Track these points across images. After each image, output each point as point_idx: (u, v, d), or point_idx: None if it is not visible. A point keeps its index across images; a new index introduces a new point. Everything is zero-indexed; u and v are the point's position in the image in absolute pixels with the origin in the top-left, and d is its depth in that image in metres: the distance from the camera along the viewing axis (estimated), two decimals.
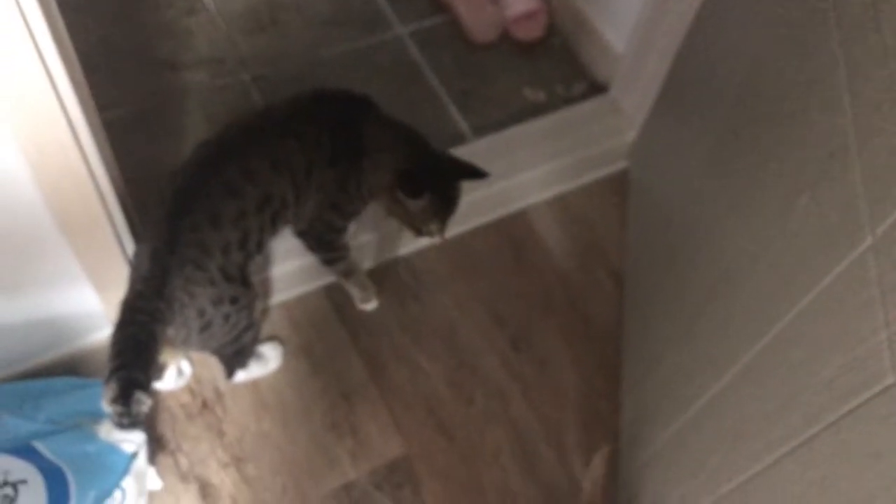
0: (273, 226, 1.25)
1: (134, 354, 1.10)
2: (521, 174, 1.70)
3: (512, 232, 1.68)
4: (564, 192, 1.74)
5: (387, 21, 1.95)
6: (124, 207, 1.25)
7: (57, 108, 1.00)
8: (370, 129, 1.30)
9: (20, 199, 1.07)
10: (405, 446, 1.42)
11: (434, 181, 1.30)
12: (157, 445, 1.37)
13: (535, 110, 1.83)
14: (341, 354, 1.51)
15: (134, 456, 1.24)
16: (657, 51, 1.62)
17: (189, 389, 1.44)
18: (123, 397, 1.06)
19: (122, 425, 1.08)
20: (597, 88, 1.87)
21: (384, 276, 1.58)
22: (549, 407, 1.49)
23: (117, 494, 1.20)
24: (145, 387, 1.09)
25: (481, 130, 1.78)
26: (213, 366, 1.43)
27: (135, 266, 1.17)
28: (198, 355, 1.44)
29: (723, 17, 1.32)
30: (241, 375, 1.40)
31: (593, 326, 1.58)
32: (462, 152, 1.71)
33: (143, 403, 1.08)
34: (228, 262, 1.18)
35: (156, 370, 1.35)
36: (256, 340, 1.35)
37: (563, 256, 1.66)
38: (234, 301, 1.21)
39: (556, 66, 1.92)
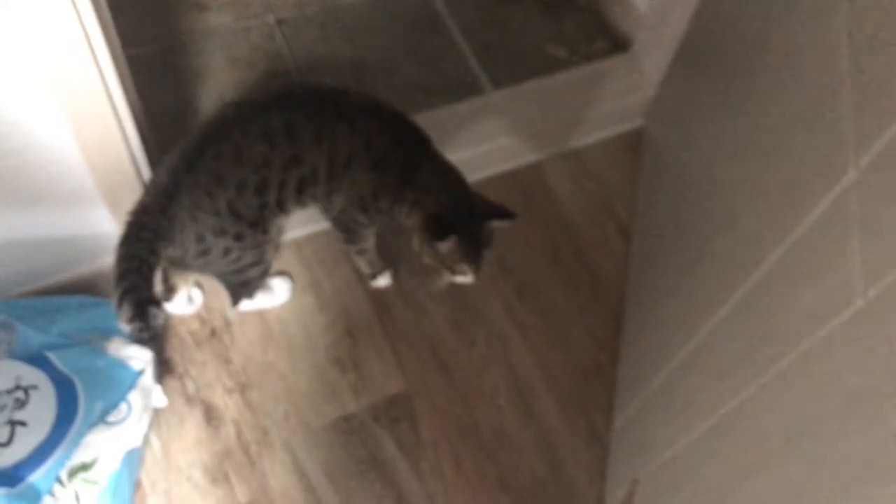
0: (298, 193, 1.26)
1: (139, 275, 1.14)
2: (536, 127, 1.71)
3: (525, 183, 1.69)
4: (579, 147, 1.75)
5: None
6: (142, 136, 1.28)
7: (82, 35, 1.04)
8: (426, 168, 1.30)
9: (43, 117, 1.10)
10: (405, 383, 1.46)
11: (463, 225, 1.27)
12: (165, 369, 1.41)
13: (556, 66, 1.83)
14: (348, 292, 1.54)
15: (141, 373, 1.28)
16: (678, 10, 1.62)
17: (199, 317, 1.48)
18: (140, 316, 1.11)
19: (142, 340, 1.14)
20: (618, 47, 1.87)
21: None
22: (549, 354, 1.51)
23: (123, 407, 1.25)
24: (156, 301, 1.13)
25: (500, 83, 1.79)
26: (223, 296, 1.46)
27: (152, 178, 1.20)
28: (208, 285, 1.48)
29: None
30: (246, 304, 1.44)
31: (598, 279, 1.60)
32: (480, 103, 1.74)
33: (159, 316, 1.13)
34: (240, 200, 1.20)
35: (166, 291, 1.41)
36: (264, 277, 1.38)
37: (574, 210, 1.67)
38: (238, 238, 1.23)
39: (579, 24, 1.92)
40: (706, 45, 1.46)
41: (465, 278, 1.31)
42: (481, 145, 1.66)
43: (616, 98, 1.77)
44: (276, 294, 1.49)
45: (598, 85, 1.78)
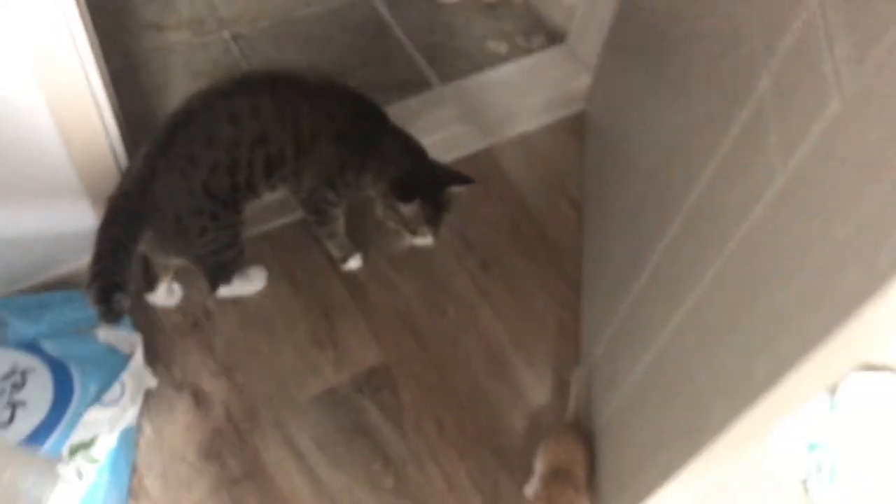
0: (268, 174, 1.35)
1: (113, 258, 1.21)
2: (485, 116, 1.83)
3: (479, 168, 1.80)
4: (527, 132, 1.87)
5: None
6: (122, 133, 1.36)
7: (69, 38, 1.12)
8: (387, 139, 1.41)
9: (29, 113, 1.18)
10: (383, 355, 1.53)
11: (425, 189, 1.38)
12: (152, 359, 1.46)
13: (498, 60, 1.96)
14: (322, 277, 1.62)
15: (131, 356, 1.34)
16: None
17: (180, 310, 1.54)
18: (105, 300, 1.18)
19: (106, 321, 1.19)
20: (555, 39, 2.01)
21: (363, 207, 1.69)
22: (516, 319, 1.61)
23: (117, 388, 1.30)
24: (123, 288, 1.20)
25: (448, 79, 1.91)
26: (203, 288, 1.53)
27: (128, 167, 1.28)
28: (188, 279, 1.54)
29: None
30: (224, 291, 1.51)
31: (556, 248, 1.71)
32: (429, 98, 1.85)
33: (122, 302, 1.19)
34: (213, 181, 1.29)
35: (147, 283, 1.47)
36: (239, 260, 1.46)
37: (527, 189, 1.79)
38: (213, 217, 1.32)
39: (516, 22, 2.06)
40: (630, 27, 1.60)
41: (424, 240, 1.43)
42: (435, 134, 1.76)
43: (556, 86, 1.90)
44: (252, 281, 1.56)
45: (538, 75, 1.92)
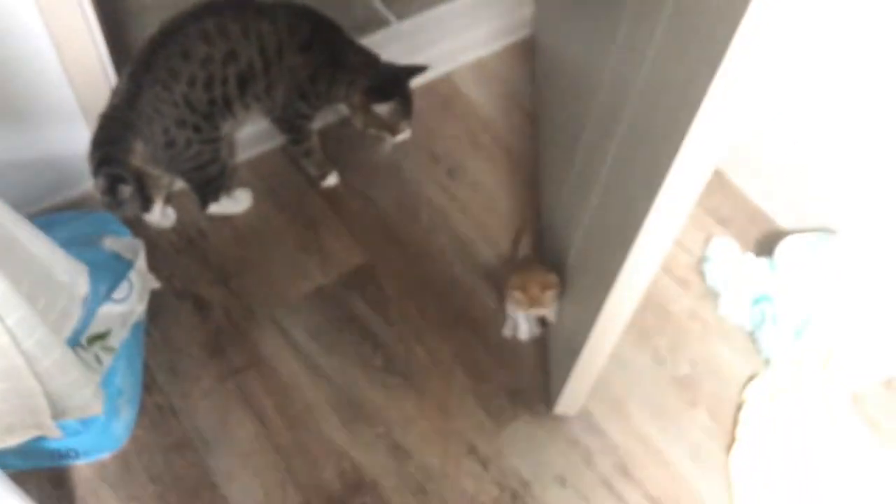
0: (241, 89, 1.50)
1: (113, 148, 1.38)
2: (441, 44, 1.99)
3: (440, 92, 1.96)
4: (482, 57, 2.03)
5: None
6: (112, 56, 1.51)
7: None
8: (350, 51, 1.60)
9: (28, 32, 1.32)
10: (365, 256, 1.68)
11: (394, 88, 1.60)
12: (153, 275, 1.60)
13: None
14: (303, 195, 1.77)
15: (135, 260, 1.48)
16: None
17: (175, 230, 1.68)
18: (111, 191, 1.35)
19: (112, 209, 1.36)
20: None
21: (336, 129, 1.84)
22: (483, 216, 1.76)
23: (125, 286, 1.43)
24: (125, 180, 1.37)
25: (404, 17, 2.06)
26: (195, 210, 1.68)
27: (116, 86, 1.43)
28: (181, 204, 1.68)
29: None
30: (214, 208, 1.65)
31: (515, 155, 1.86)
32: (388, 35, 2.01)
33: (126, 192, 1.38)
34: (192, 94, 1.44)
35: (143, 202, 1.61)
36: (223, 176, 1.60)
37: (485, 106, 1.95)
38: (196, 129, 1.47)
39: None
40: None
41: (404, 134, 1.65)
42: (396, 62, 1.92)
43: (504, 15, 2.06)
44: (239, 201, 1.71)
45: (488, 6, 2.07)
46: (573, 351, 1.35)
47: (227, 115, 1.51)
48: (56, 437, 1.22)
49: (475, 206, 1.77)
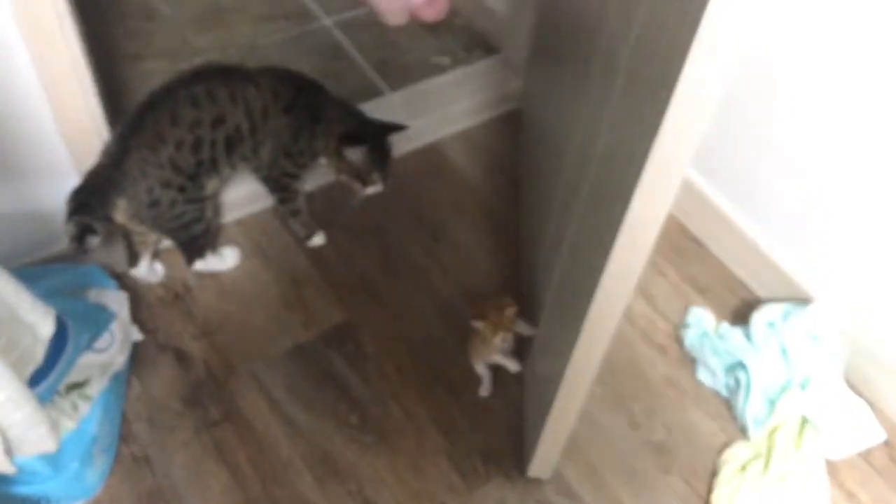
0: (228, 150, 1.57)
1: (93, 200, 1.44)
2: (430, 114, 2.06)
3: (427, 159, 2.02)
4: (468, 128, 2.10)
5: (314, 15, 2.34)
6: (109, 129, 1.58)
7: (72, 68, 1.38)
8: (329, 106, 1.68)
9: (25, 92, 1.39)
10: (346, 314, 1.71)
11: (369, 139, 1.68)
12: (138, 325, 1.63)
13: (442, 71, 2.20)
14: (289, 253, 1.81)
15: (118, 312, 1.52)
16: (529, 11, 2.02)
17: (162, 285, 1.73)
18: (79, 238, 1.43)
19: (76, 255, 1.44)
20: (491, 52, 2.26)
21: (325, 191, 1.89)
22: (463, 278, 1.80)
23: (107, 336, 1.47)
24: (95, 231, 1.43)
25: (397, 88, 2.15)
26: (183, 268, 1.72)
27: (104, 147, 1.49)
28: (169, 259, 1.73)
29: None
30: (200, 265, 1.70)
31: (497, 220, 1.91)
32: (382, 103, 2.09)
33: (93, 242, 1.44)
34: (179, 156, 1.50)
35: (130, 258, 1.66)
36: (208, 235, 1.65)
37: (470, 173, 2.01)
38: (181, 190, 1.53)
39: (457, 39, 2.32)
40: (544, 37, 1.85)
41: (376, 187, 1.72)
42: None
43: (493, 88, 2.14)
44: (226, 259, 1.75)
45: (477, 80, 2.16)
46: (544, 409, 1.37)
47: (212, 175, 1.57)
48: (10, 474, 1.23)
49: (456, 268, 1.81)
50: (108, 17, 2.24)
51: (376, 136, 1.70)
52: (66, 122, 1.47)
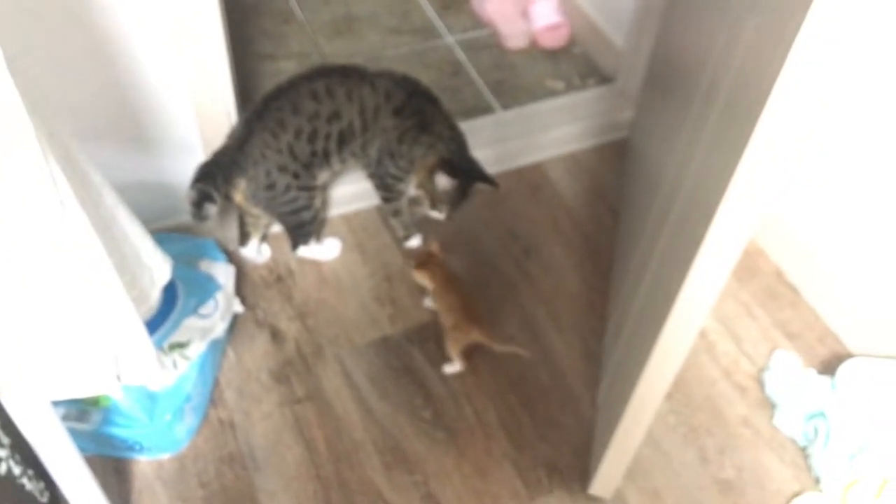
0: (340, 145, 1.67)
1: (214, 171, 1.57)
2: (538, 135, 2.12)
3: (530, 177, 2.08)
4: (575, 151, 2.14)
5: (439, 32, 2.44)
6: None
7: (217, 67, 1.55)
8: (440, 121, 1.77)
9: (172, 81, 1.54)
10: (431, 315, 1.78)
11: (461, 175, 1.80)
12: (241, 301, 1.75)
13: (555, 95, 2.26)
14: (387, 251, 1.90)
15: (224, 284, 1.64)
16: (645, 46, 2.05)
17: (267, 266, 1.84)
18: (199, 204, 1.55)
19: (195, 219, 1.57)
20: (606, 81, 2.30)
21: None
22: (551, 296, 1.83)
23: (211, 304, 1.59)
24: (214, 200, 1.56)
25: (509, 107, 2.21)
26: (288, 252, 1.84)
27: (231, 129, 1.62)
28: (275, 242, 1.85)
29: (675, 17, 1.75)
30: (304, 251, 1.80)
31: (592, 244, 1.94)
32: (492, 120, 2.16)
33: (211, 210, 1.56)
34: (296, 144, 1.62)
35: (241, 237, 1.78)
36: (315, 222, 1.75)
37: (571, 195, 2.04)
38: (296, 176, 1.64)
39: (574, 66, 2.37)
40: (660, 71, 1.88)
41: (439, 215, 1.85)
42: (495, 147, 2.06)
43: (603, 115, 2.18)
44: (329, 249, 1.86)
45: (589, 107, 2.20)
46: (612, 427, 1.39)
47: (324, 166, 1.68)
48: (117, 397, 1.36)
49: (545, 286, 1.85)
50: (249, 18, 2.41)
51: (469, 175, 1.80)
52: (202, 106, 1.61)
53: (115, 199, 0.95)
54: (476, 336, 1.63)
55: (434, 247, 1.75)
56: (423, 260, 1.73)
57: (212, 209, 1.55)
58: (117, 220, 0.94)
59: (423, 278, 1.72)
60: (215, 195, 1.55)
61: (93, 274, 0.85)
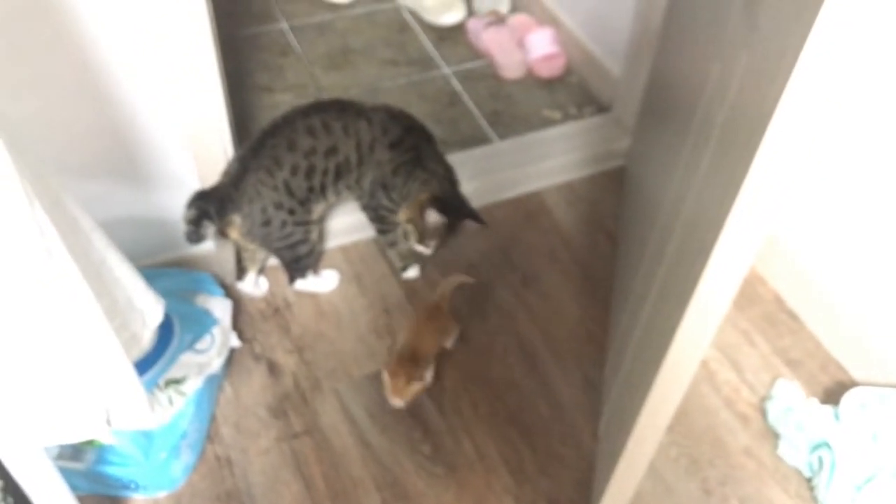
0: (336, 178, 1.68)
1: (209, 195, 1.57)
2: (535, 164, 2.12)
3: (527, 207, 2.07)
4: (572, 180, 2.14)
5: (435, 63, 2.46)
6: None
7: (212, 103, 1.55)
8: (434, 158, 1.76)
9: (165, 115, 1.54)
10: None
11: (451, 213, 1.77)
12: (237, 334, 1.74)
13: (552, 124, 2.26)
14: (384, 282, 1.89)
15: (221, 318, 1.62)
16: (641, 75, 2.06)
17: (264, 299, 1.83)
18: (196, 222, 1.54)
19: (190, 241, 1.56)
20: (603, 110, 2.31)
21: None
22: (550, 326, 1.82)
23: (208, 339, 1.58)
24: (212, 218, 1.56)
25: (506, 137, 2.22)
26: (285, 285, 1.83)
27: (226, 167, 1.62)
28: (272, 274, 1.84)
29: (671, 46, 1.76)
30: (301, 285, 1.80)
31: (590, 272, 1.93)
32: (488, 150, 2.16)
33: (208, 229, 1.56)
34: (293, 181, 1.61)
35: (238, 272, 1.77)
36: (311, 256, 1.75)
37: (568, 224, 2.04)
38: (291, 212, 1.63)
39: (570, 95, 2.38)
40: (657, 98, 1.89)
41: (425, 249, 1.79)
42: (491, 175, 2.06)
43: (600, 145, 2.18)
44: (326, 281, 1.85)
45: (586, 136, 2.20)
46: (613, 461, 1.37)
47: (320, 200, 1.67)
48: (108, 443, 1.34)
49: (543, 315, 1.84)
50: (246, 50, 2.43)
51: (458, 213, 1.78)
52: (197, 140, 1.61)
53: (105, 242, 0.94)
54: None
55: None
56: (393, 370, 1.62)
57: (209, 228, 1.55)
58: (107, 263, 0.93)
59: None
60: (213, 213, 1.55)
61: (81, 320, 0.84)
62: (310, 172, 1.63)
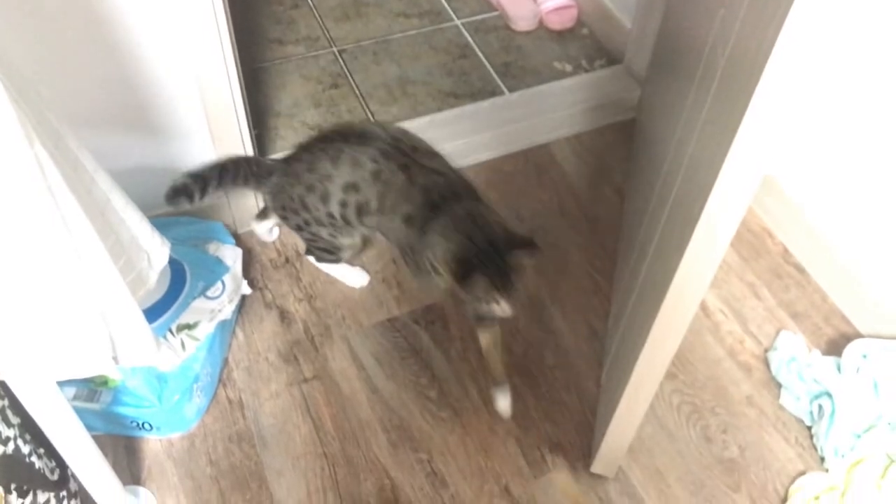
0: (358, 215, 1.53)
1: (206, 177, 1.56)
2: (545, 116, 2.12)
3: (536, 159, 2.08)
4: (581, 132, 2.14)
5: (446, 15, 2.45)
6: (246, 113, 1.73)
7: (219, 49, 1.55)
8: (448, 217, 1.42)
9: (179, 66, 1.55)
10: (438, 297, 1.79)
11: (483, 260, 1.34)
12: (249, 283, 1.77)
13: (563, 77, 2.26)
14: None
15: (232, 265, 1.66)
16: (652, 24, 2.04)
17: (276, 248, 1.86)
18: (175, 192, 1.54)
19: (167, 201, 1.56)
20: (614, 63, 2.30)
21: None
22: (556, 278, 1.84)
23: (219, 286, 1.61)
24: (191, 199, 1.55)
25: (516, 90, 2.22)
26: (296, 235, 1.85)
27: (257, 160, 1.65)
28: (285, 228, 1.87)
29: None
30: (318, 265, 1.79)
31: (597, 225, 1.94)
32: (499, 102, 2.16)
33: (182, 204, 1.55)
34: (309, 198, 1.54)
35: (260, 214, 1.80)
36: (331, 254, 1.71)
37: (577, 176, 2.05)
38: (307, 224, 1.61)
39: (581, 48, 2.36)
40: (666, 48, 1.87)
41: (503, 311, 1.39)
42: (500, 129, 2.06)
43: (611, 96, 2.18)
44: (349, 275, 1.80)
45: (595, 87, 2.20)
46: (613, 405, 1.40)
47: (345, 228, 1.59)
48: (115, 378, 1.41)
49: (550, 268, 1.86)
50: (258, 2, 2.43)
51: (496, 253, 1.36)
52: (207, 91, 1.62)
53: (109, 184, 0.96)
54: None
55: None
56: None
57: (183, 204, 1.54)
58: (112, 204, 0.95)
59: None
60: (196, 196, 1.54)
61: (85, 257, 0.87)
62: (325, 197, 1.53)
